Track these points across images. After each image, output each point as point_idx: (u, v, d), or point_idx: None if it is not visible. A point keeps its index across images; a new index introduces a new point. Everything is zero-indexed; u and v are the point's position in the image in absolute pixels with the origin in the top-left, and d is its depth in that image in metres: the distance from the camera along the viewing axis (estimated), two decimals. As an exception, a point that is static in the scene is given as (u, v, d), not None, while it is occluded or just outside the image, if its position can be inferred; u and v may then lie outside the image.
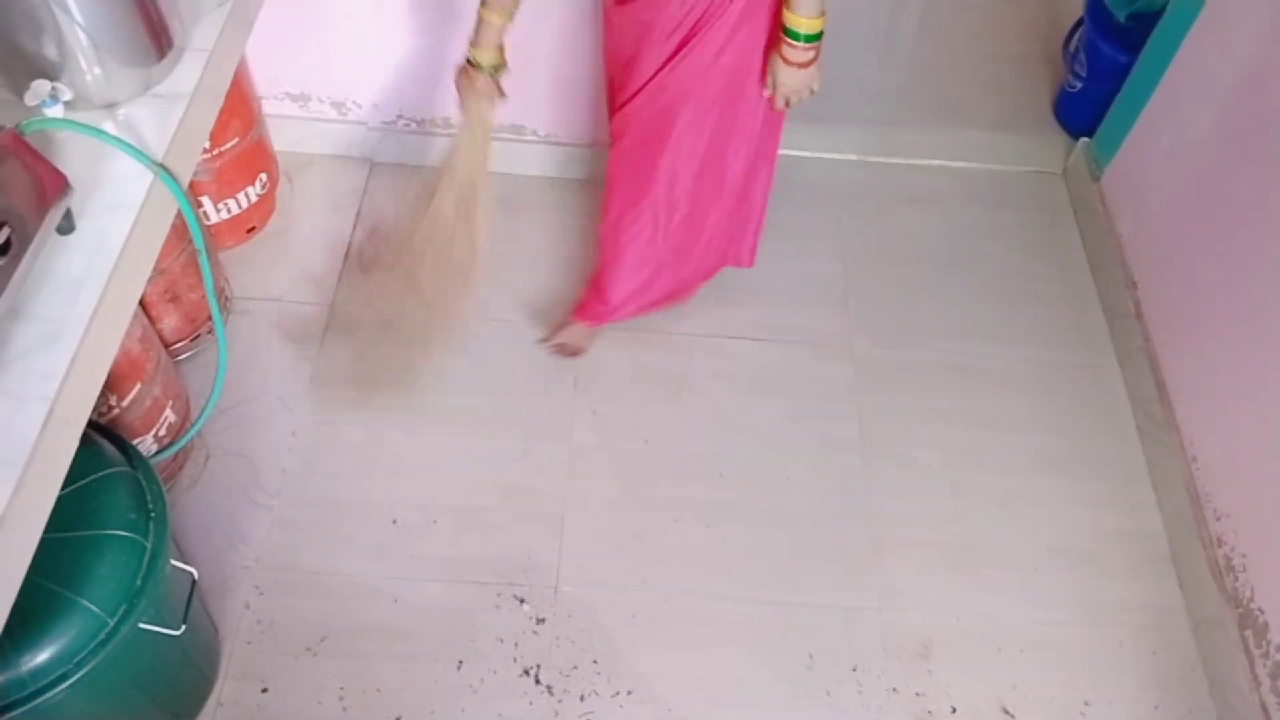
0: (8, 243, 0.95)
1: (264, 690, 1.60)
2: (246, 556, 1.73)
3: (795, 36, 1.45)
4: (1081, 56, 2.42)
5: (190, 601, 1.33)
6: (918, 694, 1.69)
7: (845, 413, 2.02)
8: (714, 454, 1.94)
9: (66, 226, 1.08)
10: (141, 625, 1.21)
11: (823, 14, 1.44)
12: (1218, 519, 1.77)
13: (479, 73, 1.60)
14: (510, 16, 1.55)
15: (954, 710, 1.68)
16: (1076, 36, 2.50)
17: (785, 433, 1.97)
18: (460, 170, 1.71)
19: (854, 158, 2.49)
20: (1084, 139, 2.41)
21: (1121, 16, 2.28)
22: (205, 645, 1.56)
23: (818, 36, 1.46)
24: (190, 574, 1.35)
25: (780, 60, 1.50)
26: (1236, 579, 1.70)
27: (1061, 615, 1.79)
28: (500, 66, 1.62)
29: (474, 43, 1.58)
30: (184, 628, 1.29)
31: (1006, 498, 1.93)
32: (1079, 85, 2.44)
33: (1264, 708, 1.61)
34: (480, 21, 1.56)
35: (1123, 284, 2.15)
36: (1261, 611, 1.64)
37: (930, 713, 1.68)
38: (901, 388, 2.06)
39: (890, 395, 2.05)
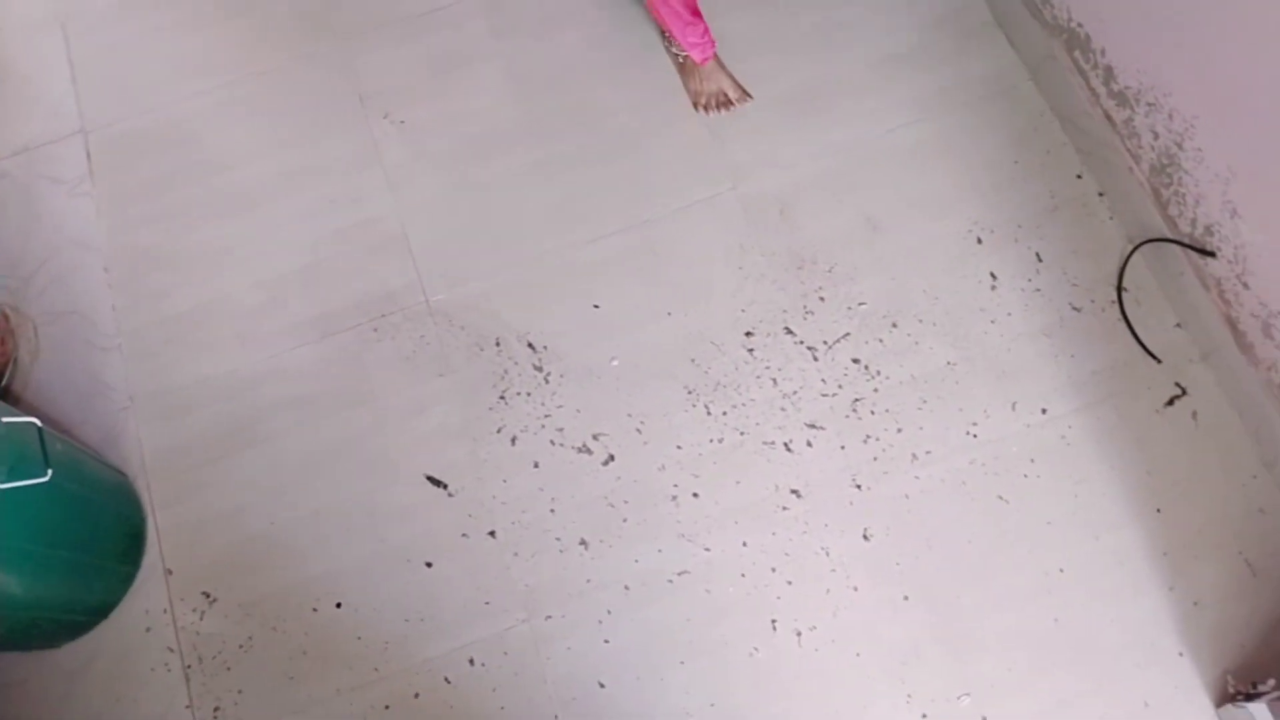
0: None
1: (196, 504, 1.62)
2: (120, 399, 1.69)
3: None
4: None
5: (44, 447, 1.30)
6: (790, 249, 1.71)
7: (640, 16, 1.90)
8: (527, 113, 1.84)
9: None
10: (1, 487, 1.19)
11: None
12: (1020, -43, 1.70)
13: None
14: None
15: (817, 254, 1.70)
16: None
17: (588, 61, 1.86)
18: None
19: None
20: None
21: None
22: (114, 488, 1.56)
23: None
24: (31, 423, 1.31)
25: None
26: (1053, 7, 1.66)
27: (905, 117, 1.77)
28: None
29: None
30: (50, 472, 1.27)
31: (819, 28, 1.85)
32: None
33: (1108, 117, 1.62)
34: None
35: None
36: (1080, 25, 1.61)
37: (808, 260, 1.70)
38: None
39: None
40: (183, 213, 1.80)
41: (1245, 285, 1.46)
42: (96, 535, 1.49)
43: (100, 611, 1.55)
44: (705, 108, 1.79)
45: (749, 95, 1.80)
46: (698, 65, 1.76)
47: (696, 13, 1.69)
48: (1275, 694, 1.35)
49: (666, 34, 1.77)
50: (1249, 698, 1.38)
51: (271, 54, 1.90)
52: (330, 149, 1.83)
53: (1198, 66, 1.38)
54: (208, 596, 1.58)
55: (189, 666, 1.55)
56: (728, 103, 1.79)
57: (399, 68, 1.88)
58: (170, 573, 1.59)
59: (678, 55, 1.79)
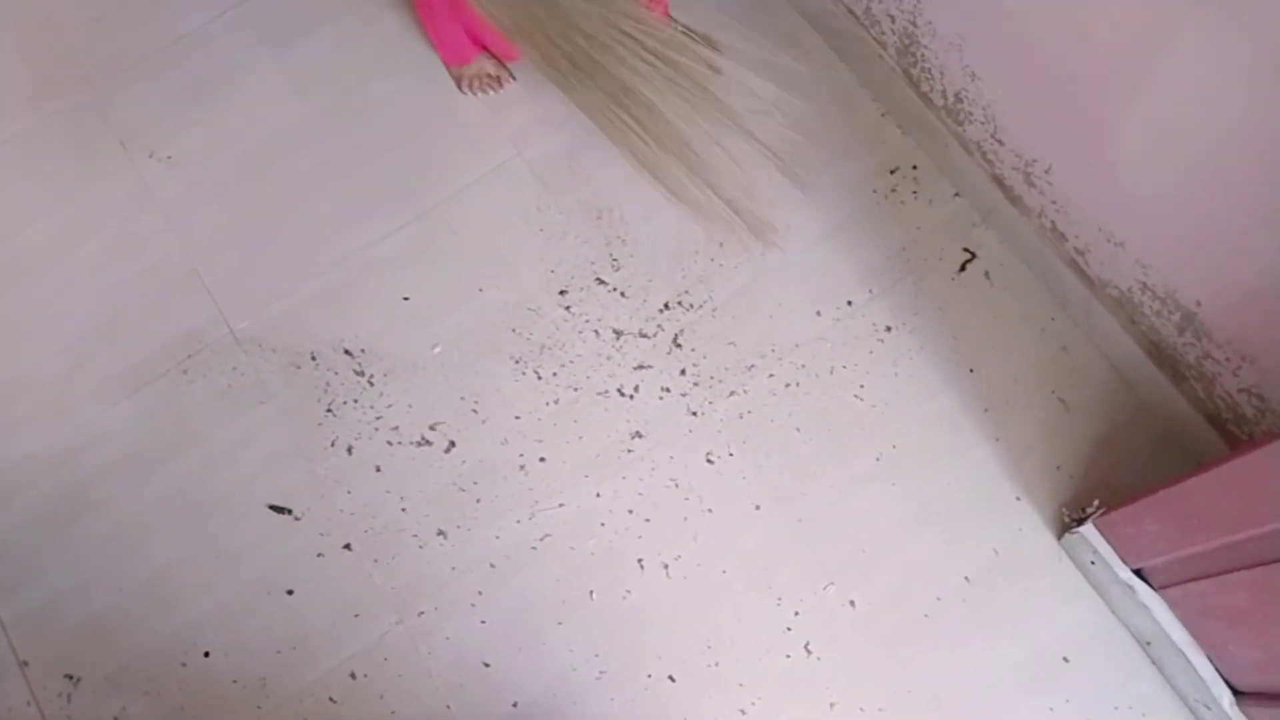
0: None
1: (38, 588, 1.56)
2: (-68, 503, 1.61)
3: None
4: None
5: None
6: (585, 201, 1.73)
7: (384, 2, 1.87)
8: (298, 120, 1.81)
9: None
10: None
11: None
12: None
13: None
14: None
15: (612, 201, 1.72)
16: None
17: (349, 57, 1.83)
18: None
19: None
20: None
21: None
22: (-60, 594, 1.49)
23: None
24: None
25: None
26: (777, -84, 1.70)
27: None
28: None
29: None
30: None
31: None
32: None
33: (849, 10, 1.67)
34: None
35: None
36: (804, -71, 1.65)
37: (604, 208, 1.72)
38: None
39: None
40: (-40, 296, 1.72)
41: (1000, 142, 1.53)
42: (-70, 645, 1.43)
43: (-44, 722, 1.48)
44: (470, 88, 1.78)
45: (512, 77, 1.80)
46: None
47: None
48: (1099, 512, 1.43)
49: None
50: (1080, 523, 1.46)
51: (18, 117, 1.83)
52: (101, 200, 1.76)
53: (905, -56, 1.43)
54: (71, 678, 1.53)
55: (66, 753, 1.50)
56: (494, 82, 1.78)
57: (155, 102, 1.82)
58: (26, 664, 1.54)
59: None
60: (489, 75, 1.77)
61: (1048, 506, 1.55)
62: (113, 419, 1.64)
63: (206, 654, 1.53)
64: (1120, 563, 1.42)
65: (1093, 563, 1.47)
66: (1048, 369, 1.61)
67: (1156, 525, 1.29)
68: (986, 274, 1.65)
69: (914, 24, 1.53)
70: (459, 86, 1.78)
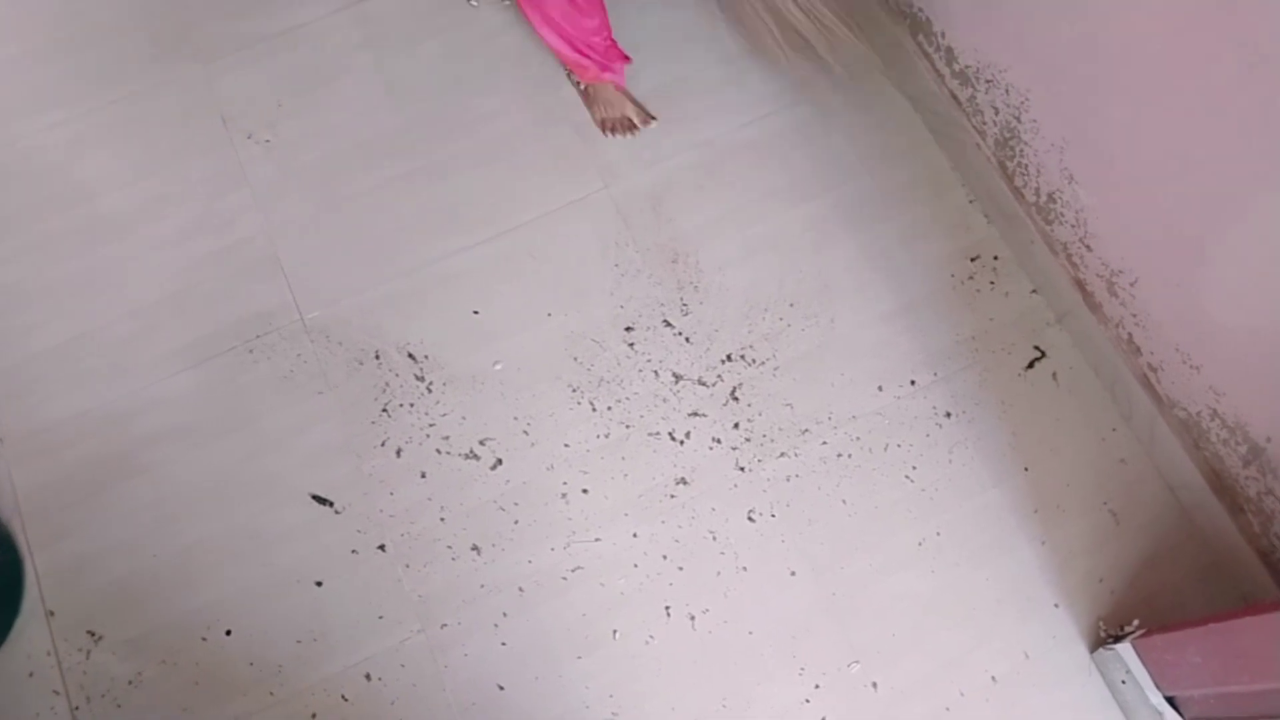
0: None
1: (75, 542, 1.58)
2: (-13, 442, 1.64)
3: None
4: None
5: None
6: (664, 244, 1.74)
7: (505, 23, 1.91)
8: (396, 126, 1.84)
9: None
10: None
11: None
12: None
13: None
14: None
15: (690, 247, 1.74)
16: None
17: (455, 72, 1.87)
18: None
19: None
20: None
21: None
22: (-17, 533, 1.51)
23: None
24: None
25: None
26: (895, -6, 1.73)
27: (763, 109, 1.82)
28: None
29: None
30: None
31: (670, 28, 1.88)
32: None
33: (953, 96, 1.69)
34: None
35: None
36: (921, 10, 1.67)
37: (681, 254, 1.73)
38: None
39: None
40: (45, 246, 1.76)
41: (1088, 248, 1.53)
42: (-34, 583, 1.45)
43: (-23, 661, 1.50)
44: (611, 131, 1.81)
45: (652, 117, 1.82)
46: (591, 84, 1.77)
47: (580, 50, 1.68)
48: (1139, 633, 1.41)
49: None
50: (1117, 640, 1.44)
51: (129, 81, 1.87)
52: (195, 172, 1.80)
53: (1023, 42, 1.45)
54: (93, 635, 1.54)
55: (76, 708, 1.51)
56: (631, 126, 1.81)
57: (262, 87, 1.86)
58: (52, 614, 1.55)
59: (578, 84, 1.80)
60: (628, 119, 1.79)
61: (1085, 618, 1.53)
62: (172, 387, 1.67)
63: (228, 632, 1.54)
64: (1153, 687, 1.40)
65: (1123, 682, 1.45)
66: (1103, 480, 1.59)
67: (1200, 657, 1.27)
68: (1054, 375, 1.65)
69: (1018, 119, 1.54)
70: (603, 130, 1.81)
